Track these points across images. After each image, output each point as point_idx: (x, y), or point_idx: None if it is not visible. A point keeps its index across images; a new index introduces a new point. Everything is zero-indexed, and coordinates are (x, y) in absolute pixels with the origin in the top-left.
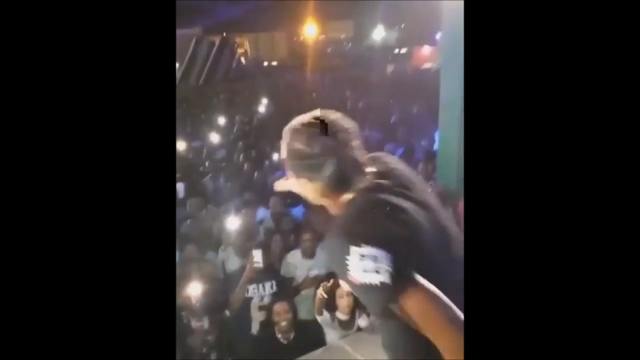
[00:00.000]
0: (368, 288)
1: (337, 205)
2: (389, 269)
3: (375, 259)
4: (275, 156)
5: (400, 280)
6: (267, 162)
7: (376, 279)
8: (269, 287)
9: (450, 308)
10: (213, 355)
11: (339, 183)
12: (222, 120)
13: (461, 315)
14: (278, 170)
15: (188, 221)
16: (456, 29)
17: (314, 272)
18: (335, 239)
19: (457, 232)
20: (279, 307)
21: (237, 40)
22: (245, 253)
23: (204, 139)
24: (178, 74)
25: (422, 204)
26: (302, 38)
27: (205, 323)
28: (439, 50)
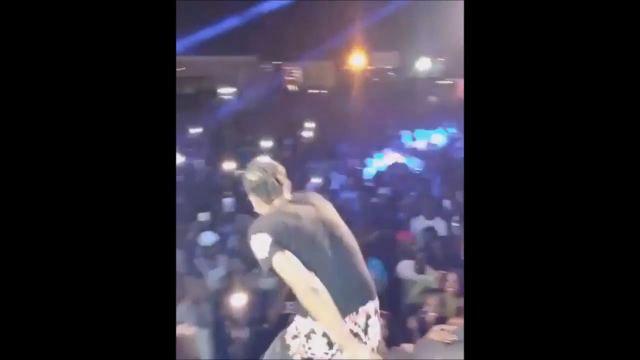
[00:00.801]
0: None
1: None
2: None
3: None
4: (315, 179)
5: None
6: (309, 181)
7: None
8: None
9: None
10: None
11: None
12: (268, 143)
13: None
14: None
15: (236, 235)
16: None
17: None
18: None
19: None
20: None
21: (288, 68)
22: None
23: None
24: (230, 99)
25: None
26: (349, 68)
27: (246, 334)
28: None
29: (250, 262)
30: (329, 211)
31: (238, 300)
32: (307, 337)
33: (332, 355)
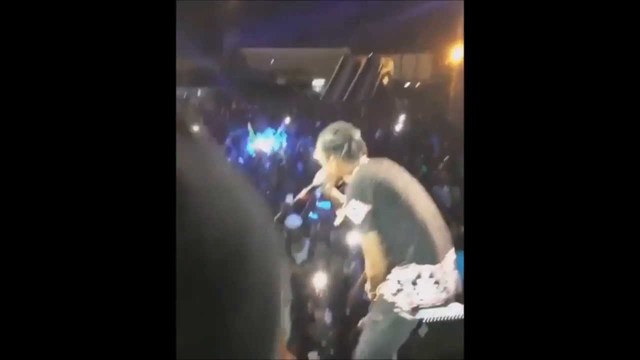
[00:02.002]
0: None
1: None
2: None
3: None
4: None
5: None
6: None
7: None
8: None
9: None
10: (331, 351)
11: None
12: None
13: None
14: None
15: (319, 222)
16: None
17: None
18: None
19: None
20: None
21: (382, 60)
22: None
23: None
24: (323, 90)
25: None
26: (447, 61)
27: (328, 317)
28: None
29: (333, 247)
30: (407, 176)
31: (320, 281)
32: (414, 283)
33: (441, 292)
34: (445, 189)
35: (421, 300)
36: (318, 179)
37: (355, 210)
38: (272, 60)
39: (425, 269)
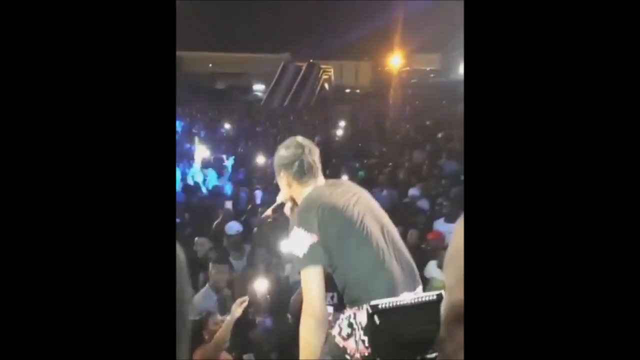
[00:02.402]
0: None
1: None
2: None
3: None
4: (346, 175)
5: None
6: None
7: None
8: (329, 298)
9: None
10: (273, 356)
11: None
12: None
13: None
14: None
15: (262, 227)
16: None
17: None
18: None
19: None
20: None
21: (322, 67)
22: None
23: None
24: (264, 96)
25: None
26: (386, 68)
27: (269, 321)
28: None
29: (273, 252)
30: (369, 199)
31: (261, 286)
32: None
33: None
34: (385, 192)
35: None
36: (280, 196)
37: (298, 240)
38: (210, 64)
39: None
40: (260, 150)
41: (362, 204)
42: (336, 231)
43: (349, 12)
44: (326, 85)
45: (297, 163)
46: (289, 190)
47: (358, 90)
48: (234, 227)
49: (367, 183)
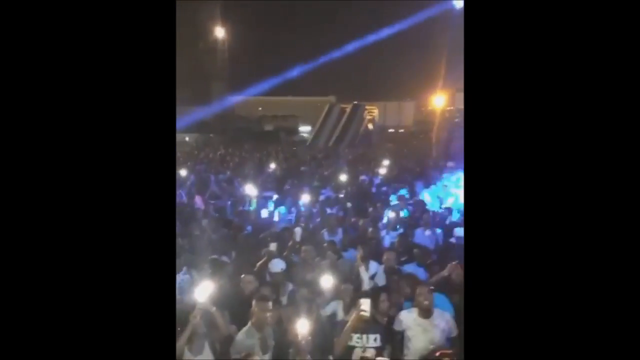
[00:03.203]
0: None
1: None
2: None
3: None
4: (389, 214)
5: None
6: (382, 220)
7: None
8: (372, 340)
9: None
10: None
11: None
12: (344, 178)
13: None
14: (392, 229)
15: (303, 264)
16: None
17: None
18: None
19: None
20: None
21: (367, 107)
22: (352, 305)
23: (326, 193)
24: (310, 136)
25: None
26: (429, 108)
27: None
28: None
29: (316, 291)
30: None
31: (302, 327)
32: None
33: None
34: (428, 232)
35: None
36: None
37: None
38: (260, 108)
39: None
40: (306, 187)
41: None
42: None
43: (393, 53)
44: (370, 125)
45: None
46: None
47: (402, 130)
48: (278, 264)
49: (410, 221)
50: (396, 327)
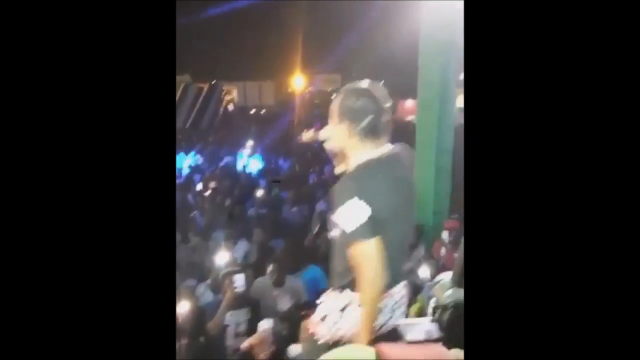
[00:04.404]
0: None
1: (352, 159)
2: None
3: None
4: (258, 193)
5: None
6: (249, 199)
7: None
8: (244, 313)
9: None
10: None
11: (370, 135)
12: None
13: None
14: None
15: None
16: (434, 79)
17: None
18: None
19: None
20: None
21: (225, 87)
22: (221, 286)
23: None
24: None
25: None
26: (289, 89)
27: (180, 346)
28: (418, 101)
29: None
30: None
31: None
32: (342, 310)
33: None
34: (295, 209)
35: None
36: (324, 133)
37: (355, 210)
38: None
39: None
40: None
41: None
42: (393, 205)
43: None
44: (230, 107)
45: (370, 118)
46: (343, 144)
47: (263, 111)
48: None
49: (281, 199)
50: (252, 294)
